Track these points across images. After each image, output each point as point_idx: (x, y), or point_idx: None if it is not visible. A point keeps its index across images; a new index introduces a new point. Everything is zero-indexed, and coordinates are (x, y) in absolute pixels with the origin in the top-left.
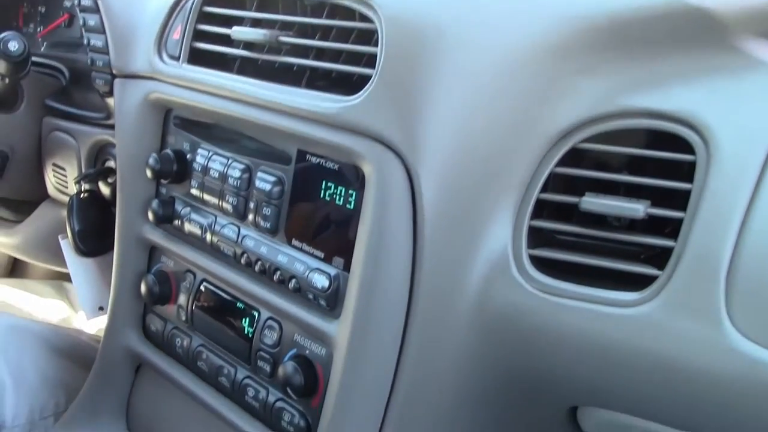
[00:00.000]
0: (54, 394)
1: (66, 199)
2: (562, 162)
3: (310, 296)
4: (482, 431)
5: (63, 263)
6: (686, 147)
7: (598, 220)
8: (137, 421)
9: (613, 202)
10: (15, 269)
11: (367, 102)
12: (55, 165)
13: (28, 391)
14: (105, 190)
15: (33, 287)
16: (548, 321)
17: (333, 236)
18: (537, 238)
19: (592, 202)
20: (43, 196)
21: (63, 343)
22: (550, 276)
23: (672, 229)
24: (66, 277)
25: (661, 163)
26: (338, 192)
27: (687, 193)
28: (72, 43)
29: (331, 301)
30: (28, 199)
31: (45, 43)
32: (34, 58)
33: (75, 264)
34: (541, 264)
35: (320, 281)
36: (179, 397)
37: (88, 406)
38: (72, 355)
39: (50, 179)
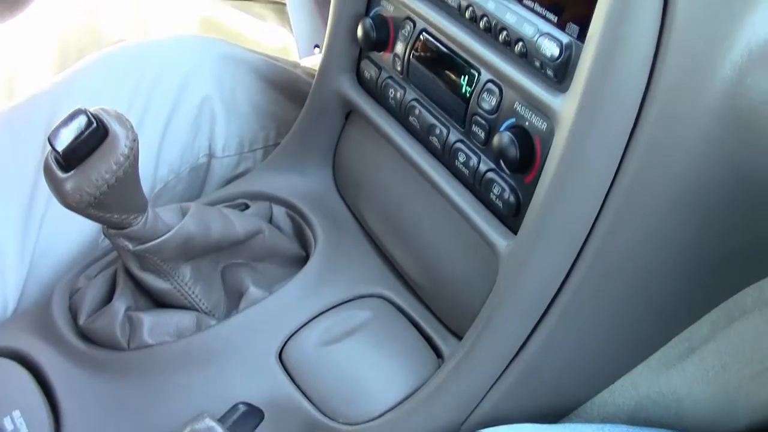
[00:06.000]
0: (264, 126)
1: None
2: None
3: (537, 64)
4: (704, 240)
5: None
6: None
7: None
8: (343, 168)
9: None
10: None
11: None
12: None
13: (239, 122)
14: None
15: (256, 10)
16: None
17: None
18: None
19: None
20: None
21: (277, 76)
22: None
23: None
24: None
25: None
26: None
27: None
28: None
29: (560, 73)
30: None
31: None
32: None
33: None
34: None
35: (550, 48)
36: (387, 151)
37: (297, 147)
38: (285, 88)
39: None
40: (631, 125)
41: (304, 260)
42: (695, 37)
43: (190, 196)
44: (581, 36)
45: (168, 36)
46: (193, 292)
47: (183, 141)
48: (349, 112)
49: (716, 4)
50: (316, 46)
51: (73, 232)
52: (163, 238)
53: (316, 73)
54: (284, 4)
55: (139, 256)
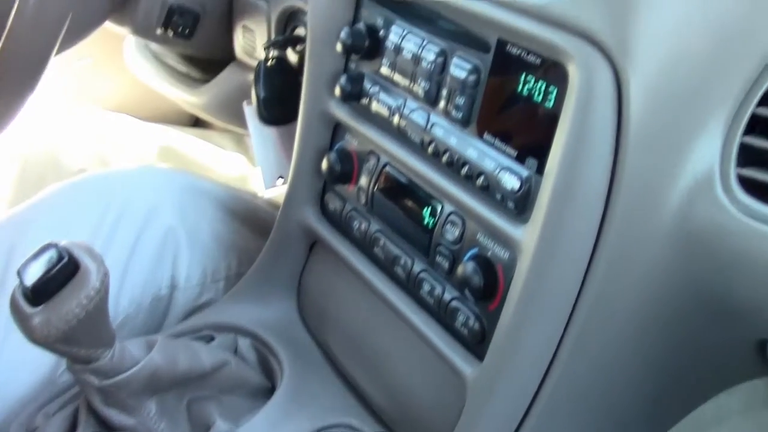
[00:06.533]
0: (226, 256)
1: (252, 62)
2: None
3: (498, 196)
4: (664, 355)
5: (245, 127)
6: None
7: None
8: (308, 298)
9: None
10: (197, 121)
11: None
12: (244, 27)
13: (202, 253)
14: (293, 58)
15: (214, 138)
16: (750, 247)
17: (528, 135)
18: (746, 157)
19: None
20: (230, 57)
21: (240, 207)
22: (758, 200)
23: None
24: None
25: None
26: (538, 88)
27: None
28: None
29: (521, 205)
30: (215, 58)
31: None
32: None
33: (257, 131)
34: (748, 186)
35: (511, 182)
36: (351, 281)
37: (261, 278)
38: (247, 219)
39: (239, 40)
40: (590, 251)
41: (270, 391)
42: (646, 169)
43: (151, 328)
44: (540, 169)
45: (133, 167)
46: (159, 428)
47: (146, 272)
48: (314, 243)
49: (664, 139)
50: (280, 177)
51: (30, 367)
52: (130, 372)
53: (282, 205)
54: (243, 134)
55: (104, 391)
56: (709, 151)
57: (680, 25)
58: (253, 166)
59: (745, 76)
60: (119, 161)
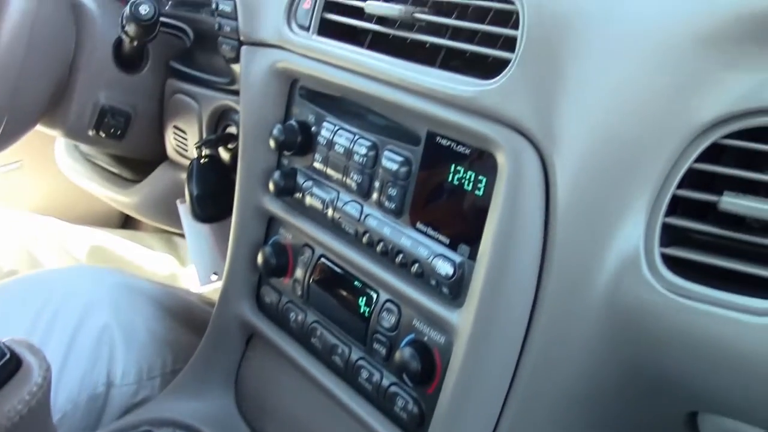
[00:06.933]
0: (161, 353)
1: (184, 161)
2: (702, 158)
3: (433, 282)
4: (598, 429)
5: (178, 225)
6: None
7: (736, 219)
8: (245, 393)
9: (755, 203)
10: (127, 222)
11: (505, 87)
12: (176, 127)
13: (137, 350)
14: (225, 155)
15: (143, 239)
16: (677, 323)
17: (459, 222)
18: (670, 236)
19: (732, 203)
20: (162, 157)
21: (174, 304)
22: (682, 277)
23: None
24: (176, 233)
25: None
26: (468, 177)
27: None
28: (196, 3)
29: (455, 290)
30: (147, 159)
31: (170, 2)
32: (160, 19)
33: (191, 229)
34: (672, 263)
35: (444, 268)
36: (290, 372)
37: (199, 374)
38: (181, 316)
39: (170, 141)
40: (524, 332)
41: None
42: (575, 250)
43: (88, 426)
44: (472, 255)
45: (66, 267)
46: None
47: (82, 370)
48: (251, 336)
49: (591, 221)
50: (215, 273)
51: None
52: None
53: (218, 300)
54: (172, 234)
55: None
56: (634, 232)
57: (602, 112)
58: (183, 266)
59: (665, 159)
60: (50, 262)
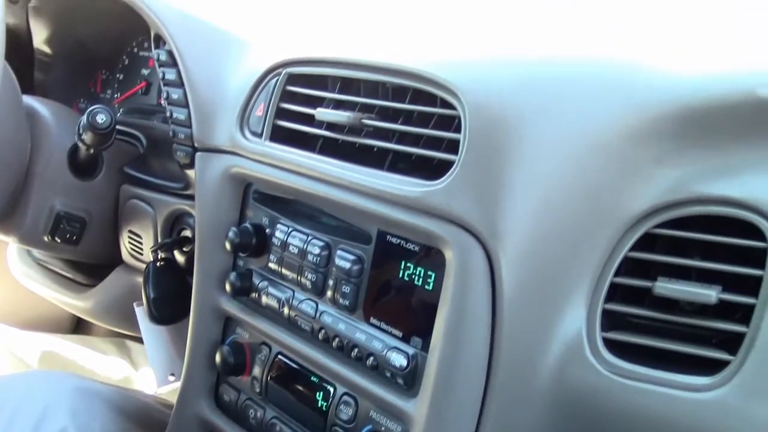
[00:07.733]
0: None
1: (140, 265)
2: (636, 246)
3: (388, 374)
4: None
5: (134, 328)
6: (758, 233)
7: (671, 303)
8: None
9: (686, 287)
10: (79, 326)
11: (449, 188)
12: (130, 232)
13: None
14: (180, 258)
15: (96, 344)
16: (621, 403)
17: (411, 316)
18: (610, 320)
19: (665, 287)
20: (116, 261)
21: (131, 407)
22: (624, 359)
23: (743, 314)
24: (128, 336)
25: (732, 248)
26: (417, 273)
27: (759, 279)
28: (148, 110)
29: (409, 380)
30: (102, 263)
31: (121, 110)
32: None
33: (149, 331)
34: (614, 346)
35: (398, 360)
36: None
37: None
38: (139, 418)
39: (125, 245)
40: (477, 418)
41: None
42: (521, 338)
43: None
44: (425, 347)
45: (21, 372)
46: None
47: None
48: None
49: (535, 309)
50: (172, 374)
51: None
52: None
53: (176, 400)
54: (125, 337)
55: None
56: (576, 318)
57: (542, 209)
58: (135, 370)
59: (602, 249)
60: (2, 369)
